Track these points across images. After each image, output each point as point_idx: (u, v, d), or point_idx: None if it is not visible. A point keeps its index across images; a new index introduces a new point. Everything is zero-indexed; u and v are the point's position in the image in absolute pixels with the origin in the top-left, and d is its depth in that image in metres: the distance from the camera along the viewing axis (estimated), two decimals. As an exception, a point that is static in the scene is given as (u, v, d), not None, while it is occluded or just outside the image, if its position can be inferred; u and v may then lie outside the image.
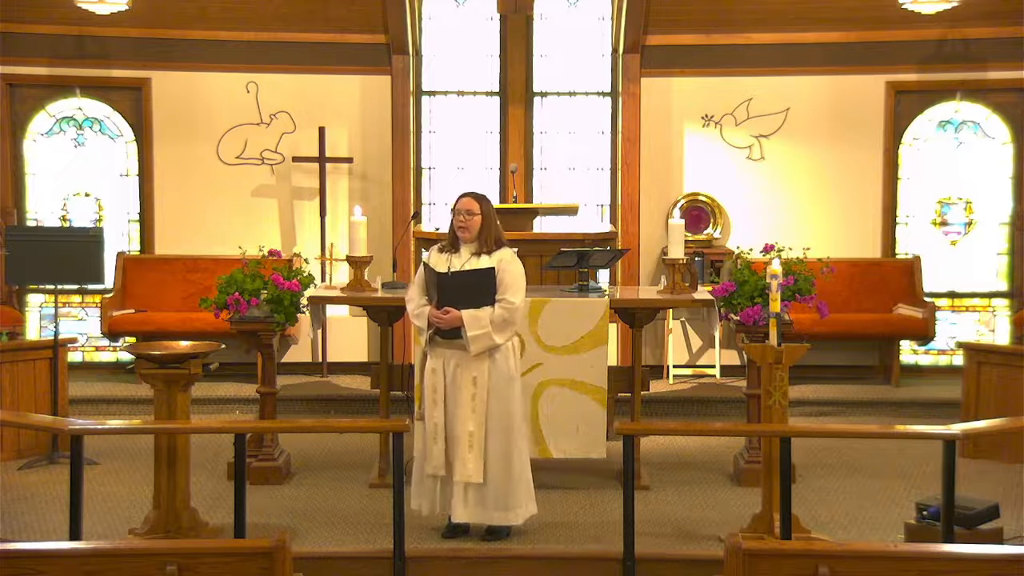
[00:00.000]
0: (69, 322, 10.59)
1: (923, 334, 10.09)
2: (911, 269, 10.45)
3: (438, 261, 6.70)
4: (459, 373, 6.58)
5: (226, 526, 6.52)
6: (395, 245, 9.64)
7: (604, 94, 10.93)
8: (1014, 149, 10.64)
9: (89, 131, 10.71)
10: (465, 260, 6.64)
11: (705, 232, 10.62)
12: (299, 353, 10.34)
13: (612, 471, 7.70)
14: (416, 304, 6.70)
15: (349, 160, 10.57)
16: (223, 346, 7.06)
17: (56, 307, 8.64)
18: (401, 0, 10.22)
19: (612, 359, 8.82)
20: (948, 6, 9.61)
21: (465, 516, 6.60)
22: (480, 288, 6.55)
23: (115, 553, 4.58)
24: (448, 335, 6.58)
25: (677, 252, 7.86)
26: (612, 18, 10.81)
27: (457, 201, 6.75)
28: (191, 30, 10.47)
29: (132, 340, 9.79)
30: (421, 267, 6.83)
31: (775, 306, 6.49)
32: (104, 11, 9.75)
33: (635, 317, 7.80)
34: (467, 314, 6.50)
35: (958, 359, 9.88)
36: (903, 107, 10.64)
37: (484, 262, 6.61)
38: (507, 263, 6.63)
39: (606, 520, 6.97)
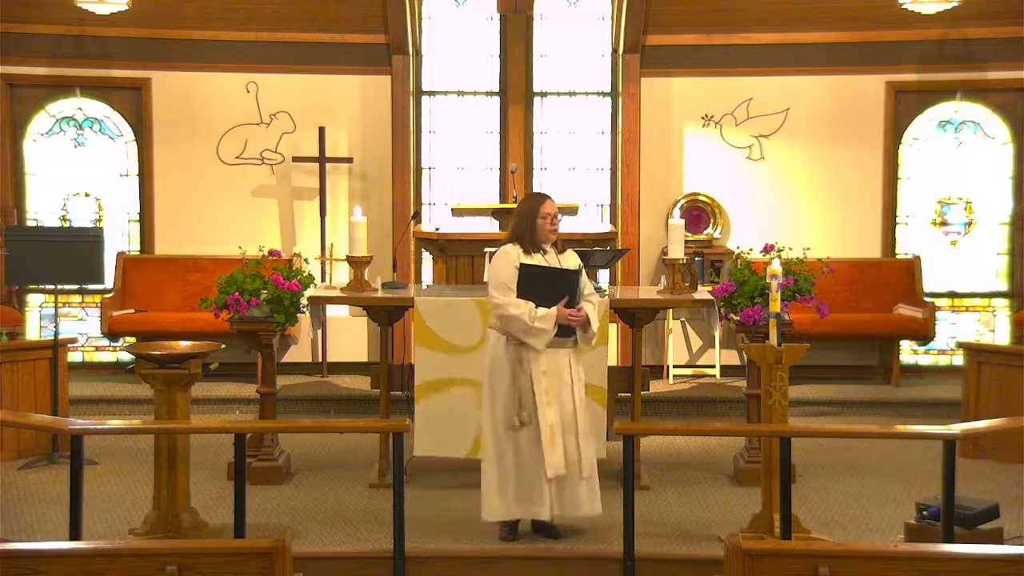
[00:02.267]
0: (69, 322, 10.59)
1: (923, 334, 10.09)
2: (911, 269, 10.45)
3: (538, 261, 6.58)
4: (570, 372, 6.59)
5: (226, 526, 6.52)
6: (395, 245, 9.65)
7: (604, 94, 10.93)
8: (1014, 149, 10.64)
9: (89, 131, 10.71)
10: (555, 259, 6.63)
11: (705, 232, 10.63)
12: (299, 353, 10.33)
13: (612, 471, 7.69)
14: (528, 307, 6.43)
15: (349, 160, 10.57)
16: (223, 346, 7.04)
17: (56, 307, 8.64)
18: (401, 0, 10.23)
19: (612, 359, 8.83)
20: (948, 6, 9.61)
21: (591, 509, 6.63)
22: (579, 283, 6.65)
23: (115, 553, 4.58)
24: (563, 333, 6.54)
25: (677, 252, 7.86)
26: (612, 18, 10.81)
27: (542, 205, 6.59)
28: (191, 30, 10.47)
29: (132, 340, 9.79)
30: (509, 271, 6.50)
31: (775, 306, 6.49)
32: (104, 11, 9.75)
33: (635, 317, 7.80)
34: (590, 308, 6.57)
35: (958, 359, 9.88)
36: (903, 107, 10.64)
37: (571, 259, 6.70)
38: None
39: (606, 520, 6.96)
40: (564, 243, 6.78)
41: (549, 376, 6.53)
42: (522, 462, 6.54)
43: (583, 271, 6.72)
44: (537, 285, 6.47)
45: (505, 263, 6.55)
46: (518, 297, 6.46)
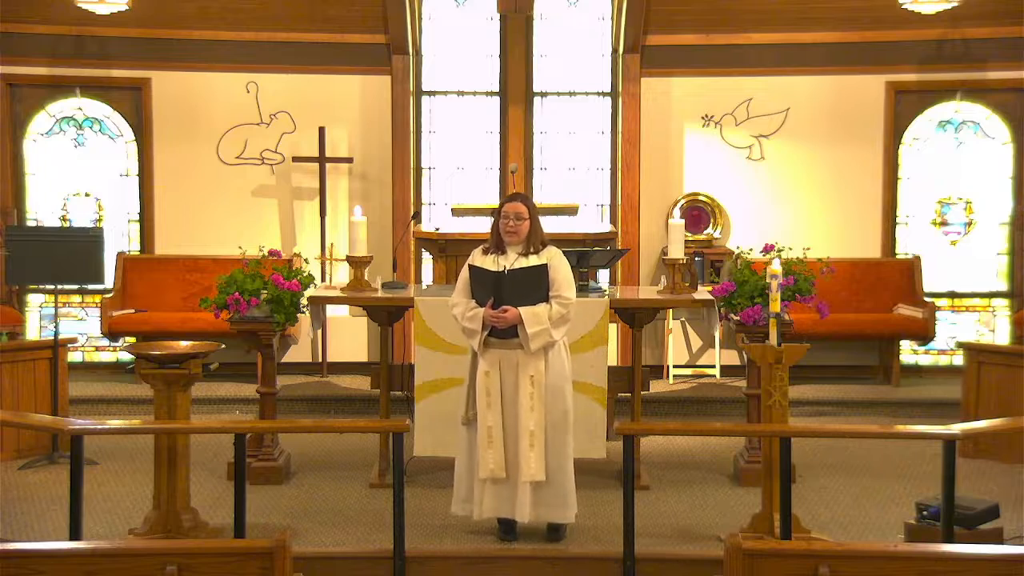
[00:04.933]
0: (69, 322, 10.59)
1: (923, 334, 10.09)
2: (911, 269, 10.45)
3: (486, 263, 6.61)
4: (517, 373, 6.51)
5: (226, 526, 6.52)
6: (395, 245, 9.65)
7: (604, 94, 10.93)
8: (1014, 149, 10.64)
9: (89, 131, 10.71)
10: (514, 261, 6.58)
11: (705, 232, 10.62)
12: (299, 353, 10.32)
13: (612, 471, 7.69)
14: (464, 307, 6.57)
15: (349, 160, 10.57)
16: (223, 346, 7.05)
17: (56, 307, 8.65)
18: (401, 0, 10.23)
19: (612, 359, 8.82)
20: (948, 6, 9.61)
21: (531, 516, 6.53)
22: (536, 286, 6.52)
23: (115, 553, 4.58)
24: (503, 334, 6.51)
25: (677, 252, 7.86)
26: (612, 18, 10.81)
27: (503, 205, 6.66)
28: (191, 30, 10.47)
29: (132, 340, 9.79)
30: (465, 270, 6.67)
31: (775, 306, 6.49)
32: (104, 11, 9.75)
33: (635, 317, 7.80)
34: (525, 311, 6.45)
35: (958, 359, 9.89)
36: (903, 107, 10.64)
37: (534, 261, 6.59)
38: (557, 260, 6.63)
39: (606, 520, 6.96)
40: (545, 242, 6.68)
41: (492, 377, 6.53)
42: (470, 461, 6.63)
43: (551, 270, 6.53)
44: (476, 286, 6.59)
45: (466, 265, 6.71)
46: (472, 298, 6.59)
